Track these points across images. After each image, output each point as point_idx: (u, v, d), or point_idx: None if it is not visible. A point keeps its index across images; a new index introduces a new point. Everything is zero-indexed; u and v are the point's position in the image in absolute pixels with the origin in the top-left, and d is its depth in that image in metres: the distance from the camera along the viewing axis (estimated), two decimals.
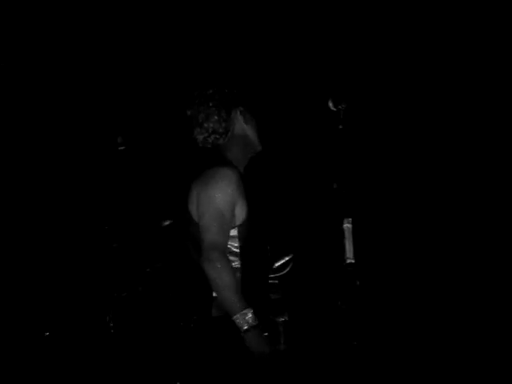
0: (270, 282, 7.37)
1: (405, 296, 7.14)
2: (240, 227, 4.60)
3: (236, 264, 4.66)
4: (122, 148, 7.24)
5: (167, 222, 7.20)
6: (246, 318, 4.51)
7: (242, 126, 4.86)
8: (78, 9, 7.44)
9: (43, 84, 7.56)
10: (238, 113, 4.85)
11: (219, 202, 4.50)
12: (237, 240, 4.62)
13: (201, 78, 7.67)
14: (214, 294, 4.62)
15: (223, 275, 4.45)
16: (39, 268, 7.27)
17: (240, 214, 4.59)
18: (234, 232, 4.62)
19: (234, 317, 4.49)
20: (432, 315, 7.05)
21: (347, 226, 6.49)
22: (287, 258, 7.48)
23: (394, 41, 7.35)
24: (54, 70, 7.59)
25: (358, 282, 6.54)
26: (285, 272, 7.41)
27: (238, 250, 4.64)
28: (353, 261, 6.51)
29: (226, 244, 4.56)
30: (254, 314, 4.50)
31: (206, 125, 4.73)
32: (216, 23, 7.62)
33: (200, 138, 4.77)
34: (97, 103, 7.68)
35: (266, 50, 7.63)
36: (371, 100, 7.29)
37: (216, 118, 4.73)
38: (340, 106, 5.86)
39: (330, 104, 6.00)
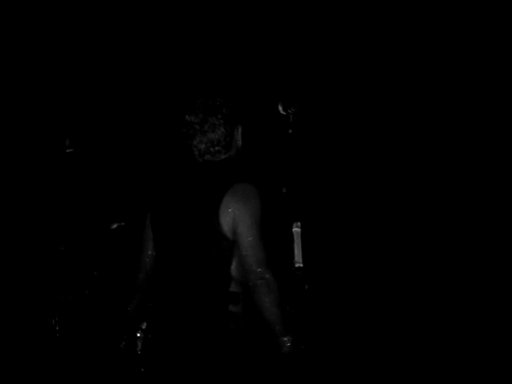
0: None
1: (354, 300, 7.16)
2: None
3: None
4: (69, 150, 7.18)
5: (115, 225, 7.15)
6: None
7: (239, 143, 4.91)
8: None
9: None
10: (239, 130, 4.90)
11: (260, 220, 4.82)
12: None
13: (150, 77, 7.64)
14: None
15: (278, 292, 4.60)
16: None
17: None
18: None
19: (286, 336, 4.66)
20: (381, 317, 7.08)
21: (296, 230, 6.51)
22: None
23: (341, 44, 7.38)
24: (5, 68, 7.51)
25: (306, 286, 6.56)
26: None
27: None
28: (301, 265, 6.52)
29: None
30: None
31: (210, 135, 4.72)
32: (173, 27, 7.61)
33: (201, 146, 4.74)
34: (46, 104, 7.60)
35: (218, 53, 7.62)
36: (321, 104, 7.31)
37: (223, 130, 4.74)
38: (289, 110, 5.86)
39: (280, 108, 5.99)
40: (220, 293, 4.60)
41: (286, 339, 4.64)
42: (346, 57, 7.35)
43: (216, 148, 4.74)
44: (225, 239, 4.59)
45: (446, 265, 7.07)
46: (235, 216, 4.57)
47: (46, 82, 7.57)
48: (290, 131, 6.14)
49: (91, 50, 7.62)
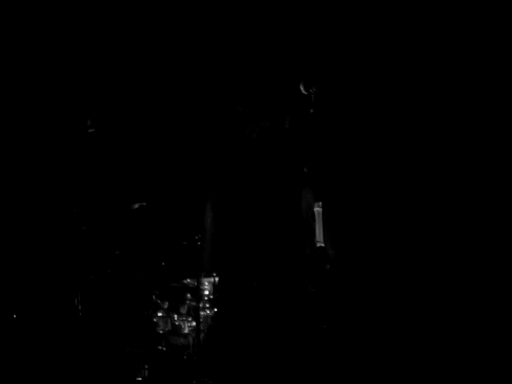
0: None
1: (375, 280, 7.17)
2: None
3: None
4: (91, 130, 7.20)
5: (137, 205, 7.18)
6: None
7: None
8: None
9: (9, 66, 7.49)
10: None
11: None
12: None
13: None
14: None
15: None
16: (8, 250, 7.21)
17: None
18: None
19: None
20: (401, 300, 7.08)
21: (317, 209, 6.53)
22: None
23: (365, 25, 7.35)
24: (20, 53, 7.52)
25: (327, 266, 6.59)
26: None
27: None
28: (323, 244, 6.54)
29: None
30: None
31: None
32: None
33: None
34: (67, 85, 7.61)
35: (236, 33, 7.60)
36: (342, 84, 7.29)
37: None
38: (311, 90, 5.86)
39: (302, 87, 6.00)
40: None
41: None
42: (368, 36, 7.32)
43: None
44: None
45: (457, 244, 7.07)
46: None
47: (67, 63, 7.58)
48: (312, 111, 6.13)
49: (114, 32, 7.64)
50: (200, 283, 7.14)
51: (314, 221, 6.60)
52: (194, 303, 7.20)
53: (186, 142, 7.67)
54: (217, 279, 7.22)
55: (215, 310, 7.22)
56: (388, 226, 7.21)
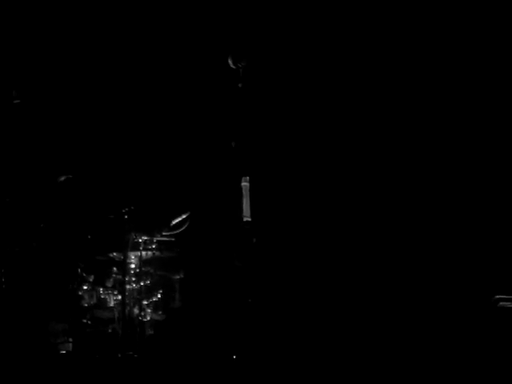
0: (166, 239, 7.40)
1: (301, 254, 7.22)
2: None
3: None
4: (17, 101, 7.10)
5: (63, 178, 7.11)
6: None
7: None
8: None
9: None
10: None
11: None
12: None
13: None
14: None
15: None
16: None
17: None
18: None
19: None
20: (326, 273, 7.14)
21: (245, 184, 6.54)
22: (184, 216, 7.50)
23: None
24: None
25: (254, 240, 6.61)
26: (182, 229, 7.42)
27: None
28: (249, 219, 6.56)
29: None
30: None
31: None
32: None
33: None
34: None
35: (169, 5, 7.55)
36: (270, 58, 7.29)
37: None
38: (239, 64, 5.85)
39: (230, 62, 5.98)
40: None
41: None
42: (297, 8, 7.33)
43: None
44: None
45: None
46: None
47: None
48: (240, 85, 6.12)
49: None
50: (126, 257, 7.12)
51: (242, 195, 6.60)
52: (119, 277, 7.19)
53: (112, 111, 7.62)
54: (143, 253, 7.21)
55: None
56: (314, 199, 7.26)
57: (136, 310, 7.19)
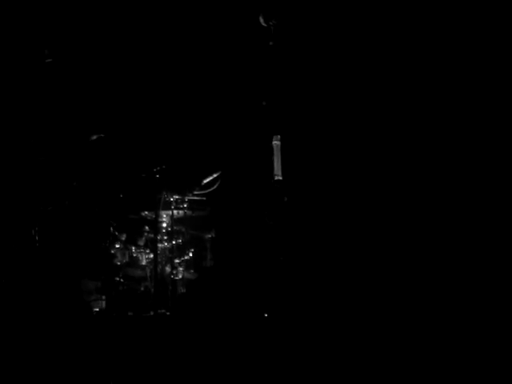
0: (198, 198, 7.43)
1: (330, 214, 7.21)
2: None
3: None
4: (49, 60, 7.11)
5: (95, 137, 7.13)
6: None
7: None
8: None
9: None
10: None
11: None
12: None
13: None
14: None
15: None
16: None
17: None
18: None
19: None
20: (357, 234, 7.14)
21: (276, 143, 6.54)
22: (215, 175, 7.51)
23: None
24: None
25: (285, 199, 6.61)
26: (213, 189, 7.45)
27: None
28: (280, 178, 6.56)
29: None
30: None
31: None
32: None
33: None
34: (26, 14, 7.49)
35: None
36: (302, 16, 7.24)
37: None
38: (271, 22, 5.81)
39: (261, 20, 5.95)
40: None
41: None
42: None
43: None
44: None
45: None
46: None
47: None
48: (271, 43, 6.09)
49: None
50: (158, 215, 7.16)
51: (273, 154, 6.59)
52: (151, 235, 7.24)
53: (146, 74, 7.62)
54: (175, 212, 7.25)
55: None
56: (344, 159, 7.24)
57: (168, 269, 7.25)
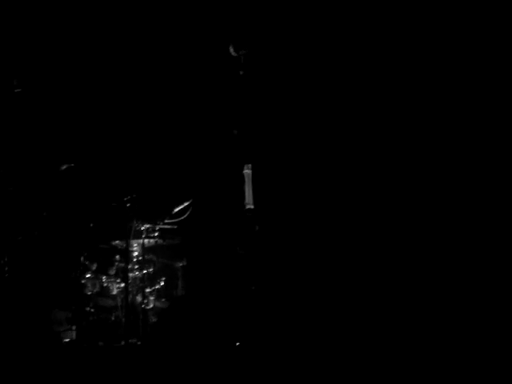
0: (169, 227, 7.41)
1: (303, 242, 7.23)
2: None
3: None
4: (18, 90, 7.09)
5: (65, 166, 7.11)
6: None
7: None
8: None
9: None
10: None
11: None
12: None
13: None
14: None
15: None
16: None
17: None
18: None
19: None
20: (329, 260, 7.15)
21: (247, 171, 6.55)
22: (186, 203, 7.51)
23: None
24: None
25: (256, 228, 6.62)
26: (184, 217, 7.43)
27: None
28: (252, 206, 6.56)
29: None
30: None
31: None
32: None
33: None
34: None
35: None
36: (272, 46, 7.28)
37: None
38: (241, 52, 5.84)
39: (231, 49, 5.96)
40: None
41: None
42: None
43: None
44: None
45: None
46: None
47: None
48: (241, 73, 6.11)
49: None
50: (129, 244, 7.13)
51: (244, 183, 6.60)
52: (122, 264, 7.20)
53: (113, 100, 7.62)
54: (146, 241, 7.23)
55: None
56: (315, 187, 7.26)
57: (139, 298, 7.22)
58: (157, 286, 7.34)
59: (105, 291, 7.23)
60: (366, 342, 6.45)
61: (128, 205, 6.96)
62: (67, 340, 6.96)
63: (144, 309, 7.19)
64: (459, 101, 6.96)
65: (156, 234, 7.27)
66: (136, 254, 7.28)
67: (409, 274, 6.74)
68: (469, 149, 6.91)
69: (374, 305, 6.79)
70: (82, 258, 7.13)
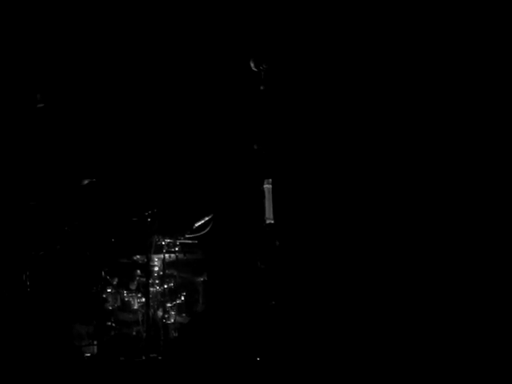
0: (189, 242, 7.42)
1: (323, 256, 7.21)
2: None
3: None
4: (41, 105, 7.14)
5: (86, 181, 7.14)
6: None
7: None
8: None
9: None
10: None
11: None
12: None
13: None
14: None
15: None
16: None
17: None
18: None
19: None
20: (349, 275, 7.14)
21: (267, 186, 6.56)
22: (207, 218, 7.52)
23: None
24: None
25: (277, 243, 6.62)
26: (205, 232, 7.44)
27: None
28: (272, 221, 6.56)
29: None
30: None
31: None
32: None
33: None
34: (15, 57, 7.54)
35: (189, 9, 7.57)
36: (293, 61, 7.30)
37: None
38: (261, 67, 5.85)
39: (252, 64, 5.98)
40: None
41: None
42: (320, 13, 7.33)
43: None
44: None
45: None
46: None
47: (15, 35, 7.50)
48: (262, 88, 6.13)
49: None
50: (150, 259, 7.14)
51: (264, 197, 6.60)
52: (143, 279, 7.21)
53: (137, 119, 7.66)
54: (167, 255, 7.24)
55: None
56: (336, 201, 7.25)
57: (160, 313, 7.22)
58: (177, 301, 7.34)
59: (126, 306, 7.24)
60: (388, 359, 6.43)
61: (149, 220, 6.98)
62: (88, 355, 6.96)
63: (165, 324, 7.19)
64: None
65: (177, 249, 7.28)
66: (157, 268, 7.28)
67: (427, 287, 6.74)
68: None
69: (395, 324, 6.77)
70: (103, 273, 7.14)
